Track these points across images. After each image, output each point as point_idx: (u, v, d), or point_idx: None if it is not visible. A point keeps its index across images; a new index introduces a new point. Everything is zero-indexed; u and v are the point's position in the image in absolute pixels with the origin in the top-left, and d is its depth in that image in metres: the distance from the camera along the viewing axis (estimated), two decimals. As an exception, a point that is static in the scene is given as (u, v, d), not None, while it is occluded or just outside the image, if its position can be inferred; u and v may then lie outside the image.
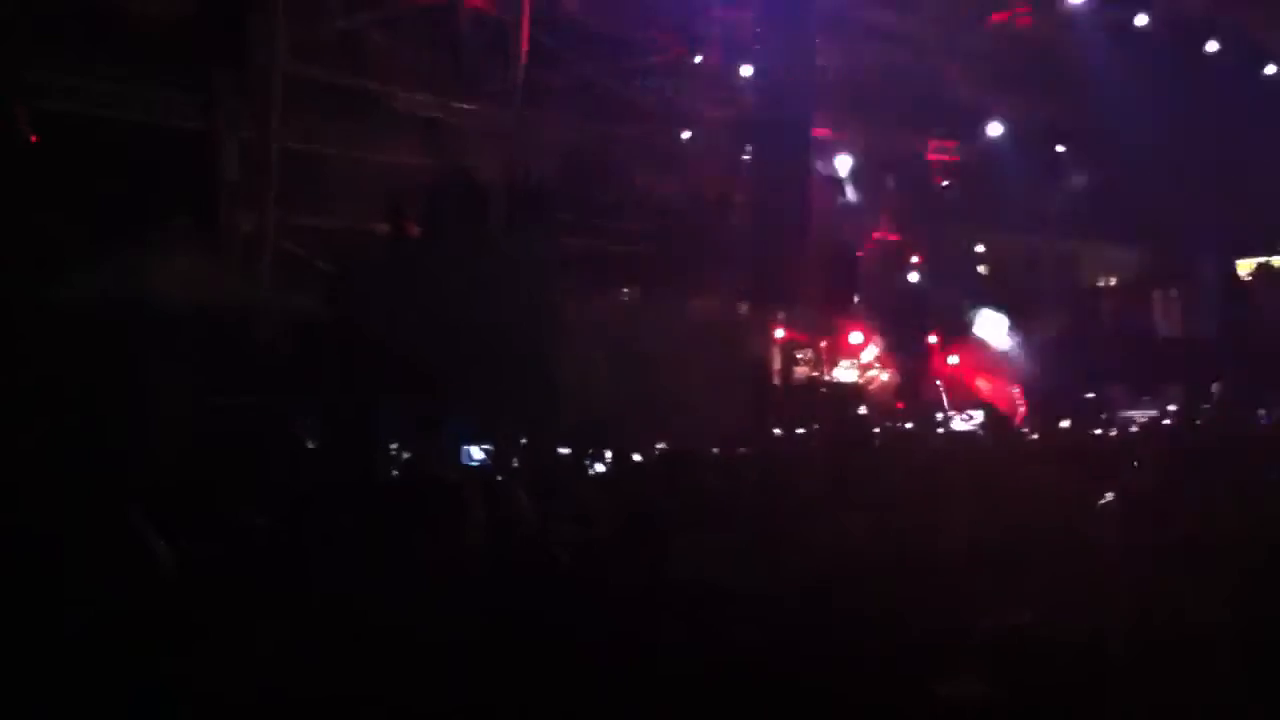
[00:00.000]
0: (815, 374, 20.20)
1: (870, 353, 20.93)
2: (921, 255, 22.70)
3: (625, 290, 17.83)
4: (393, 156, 15.98)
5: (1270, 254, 24.47)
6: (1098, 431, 17.19)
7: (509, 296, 14.92)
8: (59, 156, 12.41)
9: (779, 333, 19.74)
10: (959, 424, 17.61)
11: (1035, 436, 14.99)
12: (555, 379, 15.30)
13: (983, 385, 20.44)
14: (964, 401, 18.06)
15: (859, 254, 22.00)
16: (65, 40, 13.12)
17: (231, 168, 14.67)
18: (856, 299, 21.16)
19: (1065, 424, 17.04)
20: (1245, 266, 24.64)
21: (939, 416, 17.84)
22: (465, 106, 16.78)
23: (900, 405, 18.78)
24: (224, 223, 14.52)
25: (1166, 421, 17.68)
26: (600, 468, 13.95)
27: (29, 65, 12.87)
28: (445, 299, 14.10)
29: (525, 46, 17.32)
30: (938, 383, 20.75)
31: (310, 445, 11.54)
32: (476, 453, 13.89)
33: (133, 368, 10.91)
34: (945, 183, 22.99)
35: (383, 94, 16.10)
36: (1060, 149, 23.68)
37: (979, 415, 15.41)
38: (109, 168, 12.67)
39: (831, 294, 20.24)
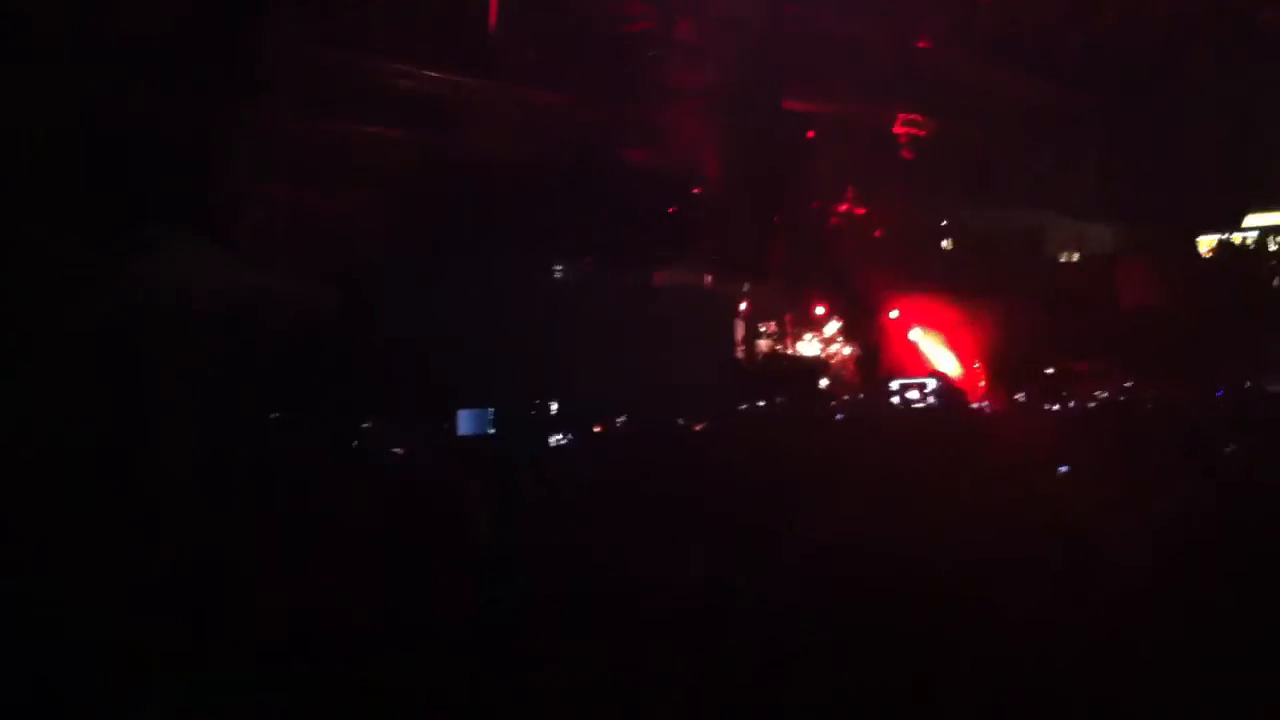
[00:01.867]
0: (778, 347, 20.33)
1: (833, 326, 21.06)
2: (886, 229, 22.74)
3: (594, 264, 17.83)
4: (385, 131, 15.95)
5: (1232, 231, 24.72)
6: (1056, 406, 17.46)
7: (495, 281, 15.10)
8: (58, 155, 12.31)
9: (744, 306, 19.85)
10: (911, 396, 17.76)
11: (985, 409, 15.19)
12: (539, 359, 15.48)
13: (944, 359, 20.59)
14: (922, 375, 18.21)
15: (826, 227, 22.04)
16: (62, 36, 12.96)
17: (233, 160, 14.58)
18: (821, 272, 21.23)
19: (1019, 397, 17.27)
20: (1207, 243, 24.87)
21: (893, 387, 17.97)
22: (456, 78, 16.72)
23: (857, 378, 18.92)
24: (227, 216, 14.43)
25: (1123, 398, 17.97)
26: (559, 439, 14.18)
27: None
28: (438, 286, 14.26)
29: (494, 16, 17.21)
30: (901, 357, 20.92)
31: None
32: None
33: (142, 369, 10.96)
34: (912, 155, 23.00)
35: (376, 72, 16.01)
36: (1030, 125, 23.68)
37: (931, 387, 15.57)
38: (109, 164, 12.63)
39: (796, 267, 20.33)
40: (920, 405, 15.57)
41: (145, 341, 11.30)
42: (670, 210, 18.76)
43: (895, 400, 16.78)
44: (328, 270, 14.52)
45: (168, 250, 12.66)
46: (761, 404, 16.79)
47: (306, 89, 14.98)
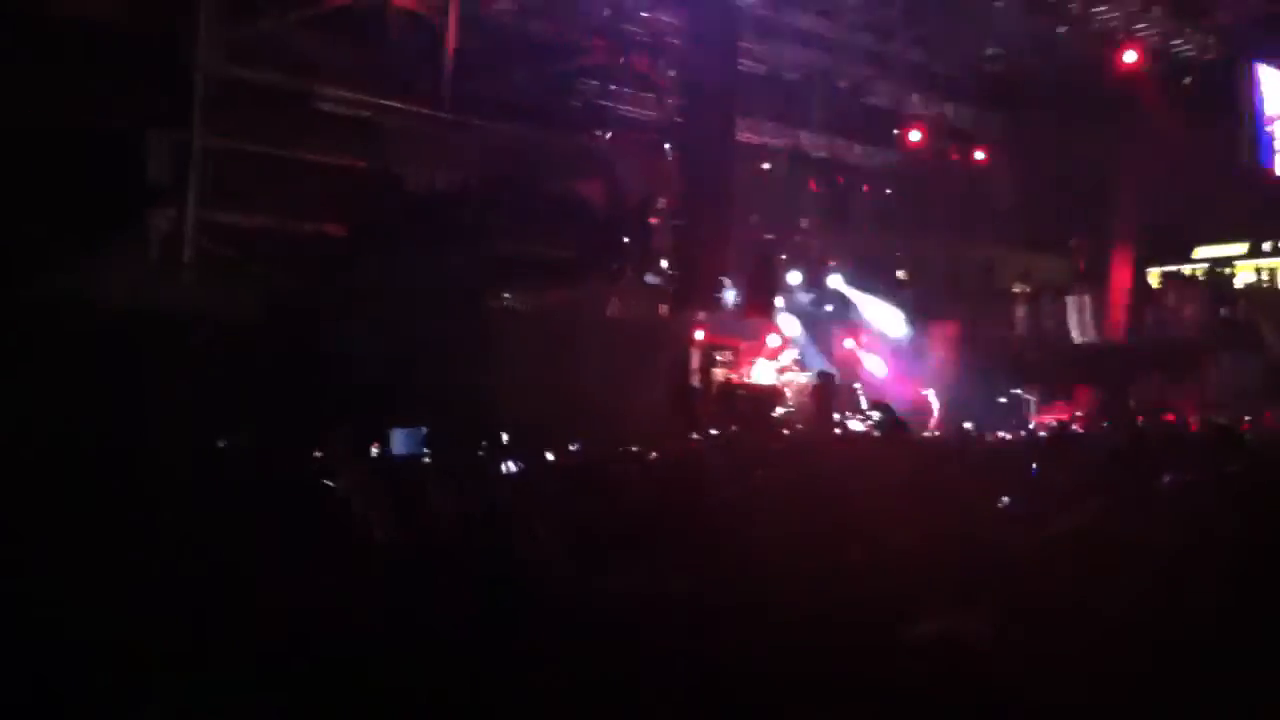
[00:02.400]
0: (733, 376, 20.43)
1: (788, 355, 21.22)
2: (842, 259, 22.98)
3: (545, 292, 17.86)
4: (321, 157, 15.92)
5: (1180, 262, 25.14)
6: (1005, 435, 17.64)
7: (437, 303, 15.00)
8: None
9: (699, 335, 19.93)
10: (855, 425, 17.92)
11: (933, 437, 15.32)
12: (480, 382, 15.41)
13: (896, 387, 20.80)
14: (875, 403, 18.35)
15: (780, 257, 22.24)
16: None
17: (158, 169, 14.52)
18: (776, 302, 21.39)
19: (968, 426, 17.45)
20: (1155, 276, 25.28)
21: (835, 417, 18.12)
22: (395, 105, 16.71)
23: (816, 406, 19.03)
24: (149, 224, 14.38)
25: (1075, 427, 18.18)
26: (512, 466, 14.14)
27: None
28: (375, 305, 14.16)
29: (453, 47, 17.27)
30: (855, 386, 21.11)
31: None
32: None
33: (63, 374, 10.83)
34: (867, 187, 23.27)
35: (311, 94, 15.99)
36: (981, 157, 24.04)
37: (876, 415, 15.69)
38: (31, 170, 12.52)
39: (751, 297, 20.47)
40: (867, 433, 15.68)
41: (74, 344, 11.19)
42: (623, 239, 18.85)
43: (840, 431, 16.92)
44: (259, 288, 14.42)
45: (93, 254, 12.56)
46: (715, 432, 16.83)
47: (237, 107, 14.98)
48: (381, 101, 16.66)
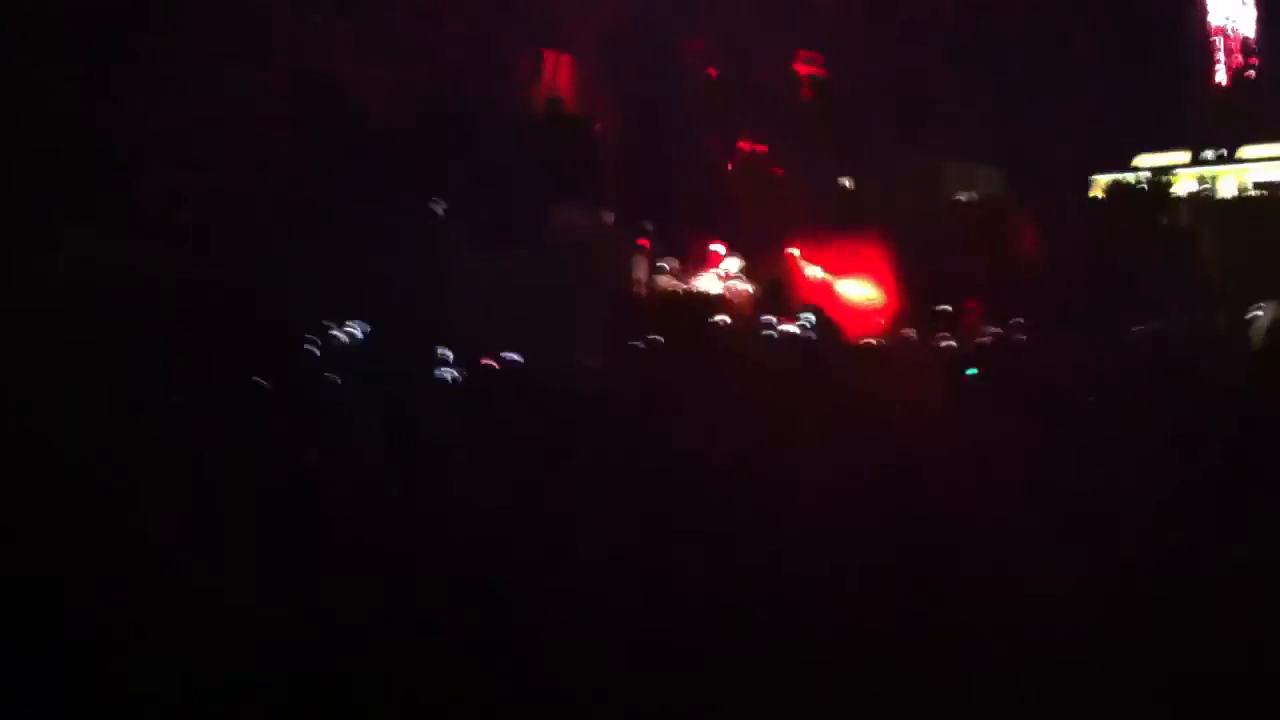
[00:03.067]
0: (678, 284, 20.65)
1: (732, 264, 21.41)
2: (787, 169, 23.05)
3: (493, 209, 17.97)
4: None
5: (1122, 171, 25.40)
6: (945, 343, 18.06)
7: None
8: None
9: (643, 243, 20.12)
10: (789, 328, 18.12)
11: (865, 342, 15.65)
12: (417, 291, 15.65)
13: (841, 294, 21.03)
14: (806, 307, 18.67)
15: (725, 166, 22.32)
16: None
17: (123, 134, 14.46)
18: (720, 212, 21.53)
19: (909, 332, 17.83)
20: (1101, 183, 25.53)
21: (769, 320, 18.30)
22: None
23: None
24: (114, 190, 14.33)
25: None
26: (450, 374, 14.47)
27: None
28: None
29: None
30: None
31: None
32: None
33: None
34: (811, 96, 23.29)
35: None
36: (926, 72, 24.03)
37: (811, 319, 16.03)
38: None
39: (696, 207, 20.63)
40: (800, 335, 16.00)
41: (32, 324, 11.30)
42: (568, 151, 18.93)
43: (775, 334, 17.16)
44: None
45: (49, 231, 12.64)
46: (657, 338, 17.18)
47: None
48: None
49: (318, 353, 14.09)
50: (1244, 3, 28.25)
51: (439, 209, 17.06)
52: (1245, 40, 28.26)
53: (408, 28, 16.97)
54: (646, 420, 10.03)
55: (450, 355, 14.33)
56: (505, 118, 18.44)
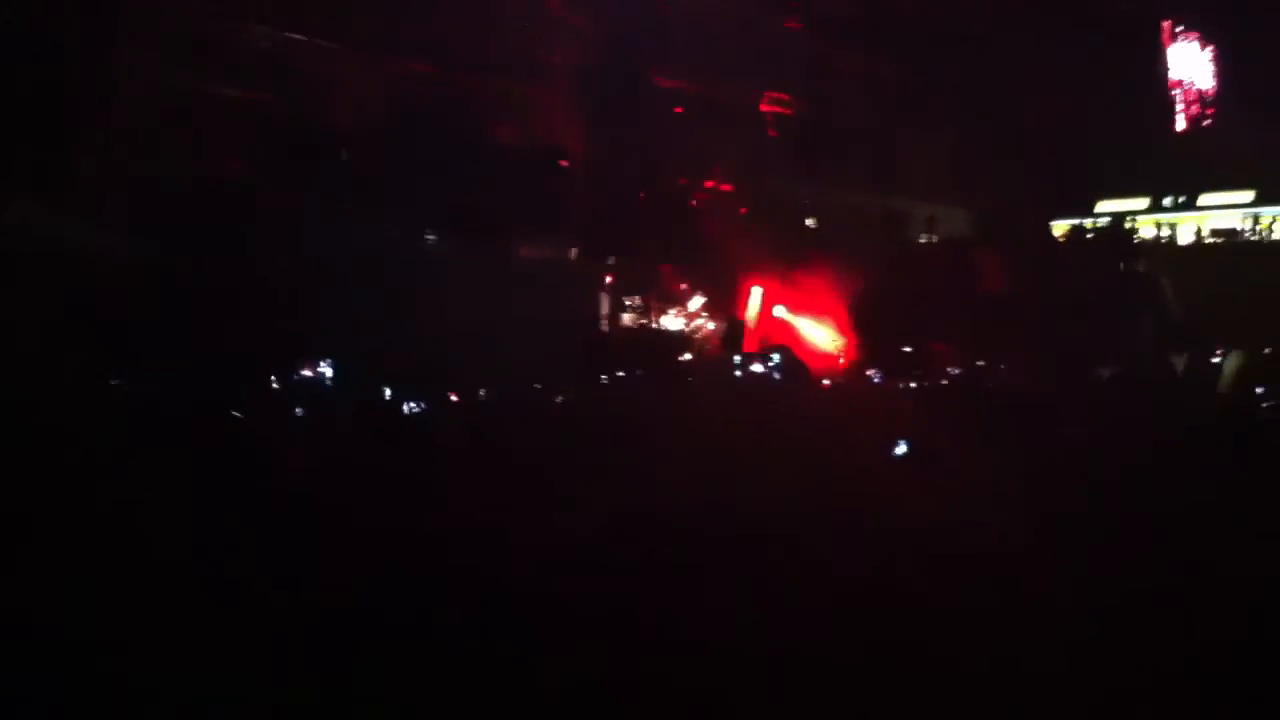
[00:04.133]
0: (643, 321, 20.53)
1: (696, 302, 21.33)
2: (751, 206, 23.05)
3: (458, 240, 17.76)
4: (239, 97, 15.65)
5: (1083, 216, 25.60)
6: (909, 383, 17.96)
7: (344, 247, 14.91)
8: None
9: (608, 280, 19.99)
10: (756, 367, 18.03)
11: (826, 383, 15.54)
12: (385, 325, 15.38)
13: (806, 334, 20.98)
14: (773, 347, 18.55)
15: (691, 204, 22.27)
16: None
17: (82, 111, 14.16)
18: (686, 250, 21.44)
19: (872, 374, 17.72)
20: (1061, 228, 25.72)
21: (735, 359, 18.24)
22: (313, 43, 16.43)
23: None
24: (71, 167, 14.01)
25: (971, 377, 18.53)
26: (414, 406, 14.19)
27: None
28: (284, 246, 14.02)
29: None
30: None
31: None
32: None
33: None
34: (776, 135, 23.34)
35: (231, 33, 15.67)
36: (894, 109, 24.18)
37: (775, 359, 15.89)
38: None
39: (661, 244, 20.53)
40: (765, 374, 15.88)
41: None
42: (534, 184, 18.76)
43: (740, 373, 17.06)
44: (174, 229, 14.19)
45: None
46: (621, 375, 16.96)
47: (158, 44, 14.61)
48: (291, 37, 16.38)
49: (274, 384, 13.80)
50: (1202, 57, 28.79)
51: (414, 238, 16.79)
52: (1202, 93, 28.78)
53: (376, 51, 16.72)
54: (604, 451, 9.84)
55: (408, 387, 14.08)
56: (467, 149, 18.21)
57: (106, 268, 13.53)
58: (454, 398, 15.49)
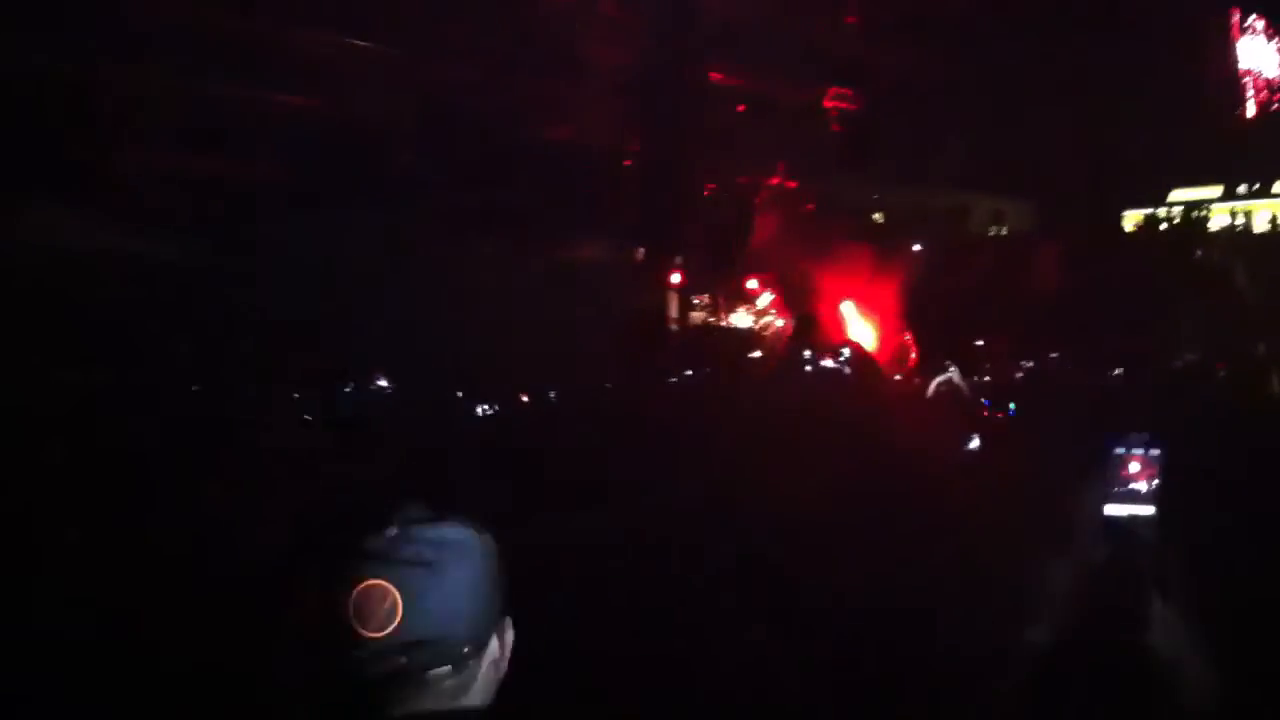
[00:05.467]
0: (711, 320, 20.52)
1: (765, 299, 21.25)
2: (818, 204, 22.98)
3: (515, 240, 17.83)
4: (280, 100, 15.77)
5: (1156, 206, 25.26)
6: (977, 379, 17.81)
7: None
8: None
9: (675, 279, 19.98)
10: (828, 363, 17.89)
11: (899, 380, 15.40)
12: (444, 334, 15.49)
13: (873, 330, 20.84)
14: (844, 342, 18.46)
15: (754, 201, 22.23)
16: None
17: (108, 114, 14.32)
18: (753, 247, 21.42)
19: (949, 374, 17.58)
20: (1134, 218, 25.39)
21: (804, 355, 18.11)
22: (356, 43, 16.51)
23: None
24: (100, 171, 14.17)
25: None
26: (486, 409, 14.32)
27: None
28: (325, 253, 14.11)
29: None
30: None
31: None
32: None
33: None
34: (840, 130, 23.24)
35: (271, 35, 15.80)
36: (955, 101, 23.98)
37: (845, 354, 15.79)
38: None
39: (727, 242, 20.52)
40: (837, 369, 15.78)
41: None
42: (597, 185, 18.82)
43: (810, 369, 16.97)
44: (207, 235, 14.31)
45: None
46: (691, 374, 17.00)
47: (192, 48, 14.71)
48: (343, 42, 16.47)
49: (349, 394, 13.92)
50: (1269, 47, 28.61)
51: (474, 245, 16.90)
52: (1271, 80, 28.51)
53: (427, 54, 16.80)
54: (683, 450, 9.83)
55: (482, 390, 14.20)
56: (532, 150, 18.30)
57: (170, 274, 13.71)
58: (524, 398, 15.64)
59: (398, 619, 1.76)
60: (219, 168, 15.36)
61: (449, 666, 1.82)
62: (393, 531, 1.83)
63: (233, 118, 15.27)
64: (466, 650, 1.84)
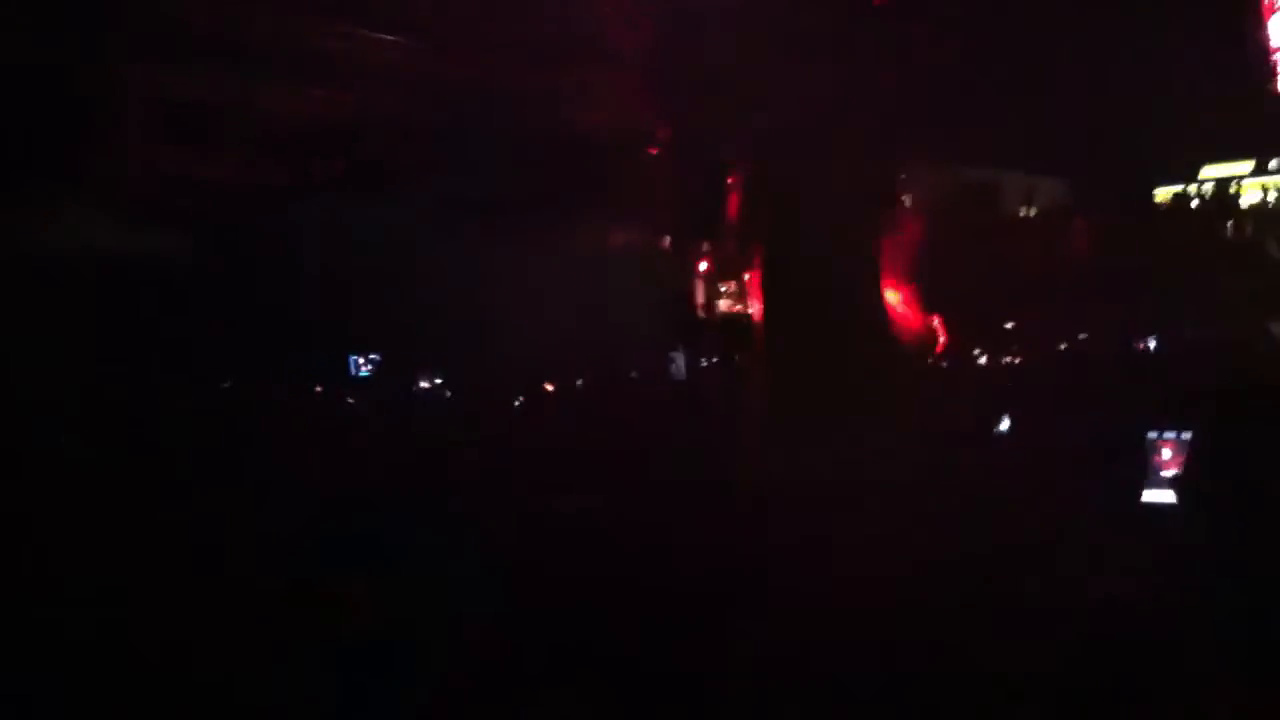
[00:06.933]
0: (738, 307, 20.44)
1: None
2: (844, 184, 22.75)
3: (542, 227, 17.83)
4: (292, 96, 15.78)
5: (1188, 183, 25.00)
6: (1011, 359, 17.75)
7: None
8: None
9: (702, 265, 19.95)
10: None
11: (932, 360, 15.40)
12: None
13: (904, 311, 20.72)
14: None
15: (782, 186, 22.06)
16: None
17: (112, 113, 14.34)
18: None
19: (976, 351, 17.54)
20: (1163, 195, 25.14)
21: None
22: (371, 35, 16.50)
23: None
24: (100, 171, 14.19)
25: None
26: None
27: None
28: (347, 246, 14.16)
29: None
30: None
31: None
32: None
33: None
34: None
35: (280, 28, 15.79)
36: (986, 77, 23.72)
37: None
38: None
39: (754, 225, 20.40)
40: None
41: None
42: (623, 170, 18.78)
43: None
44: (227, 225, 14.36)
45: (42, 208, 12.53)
46: (716, 360, 17.01)
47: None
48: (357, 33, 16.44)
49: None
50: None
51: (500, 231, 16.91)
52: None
53: (452, 37, 16.75)
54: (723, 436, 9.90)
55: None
56: (559, 137, 18.27)
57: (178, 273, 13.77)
58: (549, 388, 15.71)
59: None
60: (255, 164, 15.40)
61: None
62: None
63: (276, 117, 15.32)
64: None
